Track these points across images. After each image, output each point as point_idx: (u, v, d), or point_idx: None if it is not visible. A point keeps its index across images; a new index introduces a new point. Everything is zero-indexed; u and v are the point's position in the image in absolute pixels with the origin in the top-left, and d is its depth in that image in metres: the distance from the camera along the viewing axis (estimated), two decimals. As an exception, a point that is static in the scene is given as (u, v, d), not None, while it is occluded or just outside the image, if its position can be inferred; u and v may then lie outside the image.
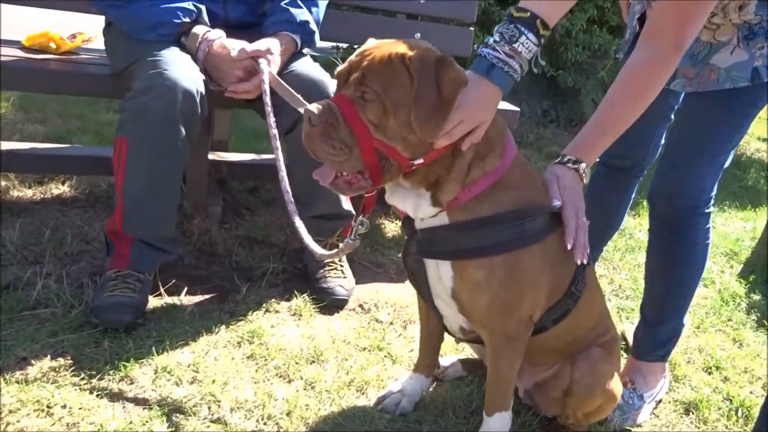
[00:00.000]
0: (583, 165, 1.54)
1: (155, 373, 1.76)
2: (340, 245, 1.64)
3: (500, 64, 1.41)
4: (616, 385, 1.69)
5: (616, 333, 1.77)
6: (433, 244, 1.48)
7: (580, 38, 5.14)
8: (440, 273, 1.49)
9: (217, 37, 2.07)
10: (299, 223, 1.70)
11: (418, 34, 2.92)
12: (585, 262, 1.49)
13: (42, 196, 2.71)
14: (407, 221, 1.55)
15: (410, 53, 1.31)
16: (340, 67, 1.40)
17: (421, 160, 1.36)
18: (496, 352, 1.56)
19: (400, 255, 2.70)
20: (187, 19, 2.04)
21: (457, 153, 1.38)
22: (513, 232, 1.42)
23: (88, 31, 2.67)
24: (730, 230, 3.87)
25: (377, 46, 1.36)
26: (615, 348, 1.73)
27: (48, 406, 1.57)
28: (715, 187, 1.89)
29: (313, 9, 2.25)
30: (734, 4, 1.67)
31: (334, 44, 5.65)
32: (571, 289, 1.54)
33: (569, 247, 1.46)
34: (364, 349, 2.05)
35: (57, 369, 1.71)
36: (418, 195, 1.44)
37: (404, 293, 2.42)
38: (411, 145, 1.33)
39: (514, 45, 1.41)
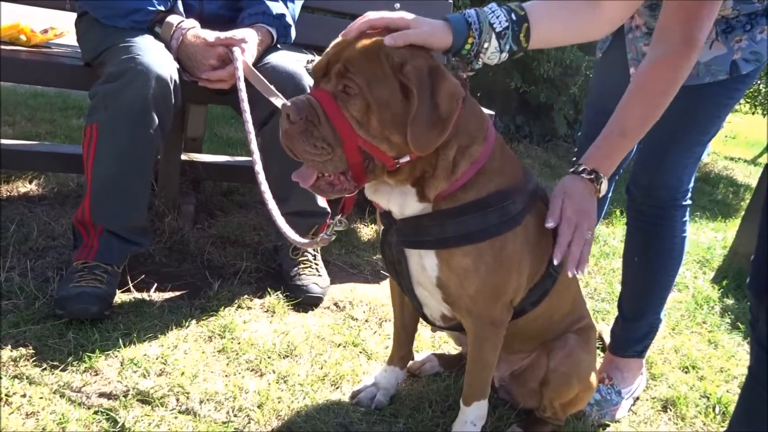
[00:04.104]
0: (599, 175, 1.47)
1: (121, 365, 1.70)
2: (316, 238, 1.58)
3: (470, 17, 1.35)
4: (592, 374, 1.67)
5: (591, 321, 1.75)
6: (416, 233, 1.41)
7: (552, 54, 5.20)
8: (424, 263, 1.43)
9: (192, 26, 2.04)
10: (273, 206, 1.64)
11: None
12: (580, 272, 1.43)
13: (8, 193, 2.63)
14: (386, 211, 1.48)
15: (398, 58, 1.22)
16: (317, 60, 1.30)
17: (407, 158, 1.29)
18: (479, 338, 1.52)
19: (375, 257, 2.70)
20: (162, 8, 2.00)
21: (440, 148, 1.31)
22: (498, 216, 1.37)
23: (61, 26, 2.62)
24: (701, 239, 3.92)
25: (355, 38, 1.28)
26: (591, 336, 1.71)
27: (6, 395, 1.50)
28: (693, 179, 1.90)
29: (289, 4, 2.24)
30: None
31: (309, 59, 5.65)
32: (548, 270, 1.51)
33: (556, 262, 1.42)
34: (339, 345, 2.00)
35: (17, 359, 1.63)
36: (402, 192, 1.37)
37: (380, 293, 2.38)
38: (395, 145, 1.26)
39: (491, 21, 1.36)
